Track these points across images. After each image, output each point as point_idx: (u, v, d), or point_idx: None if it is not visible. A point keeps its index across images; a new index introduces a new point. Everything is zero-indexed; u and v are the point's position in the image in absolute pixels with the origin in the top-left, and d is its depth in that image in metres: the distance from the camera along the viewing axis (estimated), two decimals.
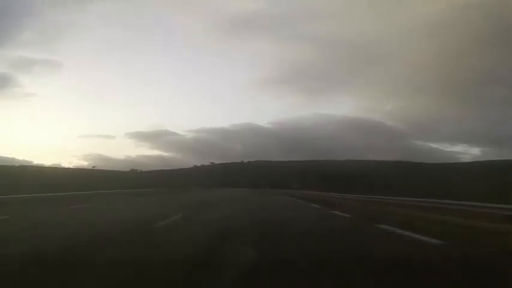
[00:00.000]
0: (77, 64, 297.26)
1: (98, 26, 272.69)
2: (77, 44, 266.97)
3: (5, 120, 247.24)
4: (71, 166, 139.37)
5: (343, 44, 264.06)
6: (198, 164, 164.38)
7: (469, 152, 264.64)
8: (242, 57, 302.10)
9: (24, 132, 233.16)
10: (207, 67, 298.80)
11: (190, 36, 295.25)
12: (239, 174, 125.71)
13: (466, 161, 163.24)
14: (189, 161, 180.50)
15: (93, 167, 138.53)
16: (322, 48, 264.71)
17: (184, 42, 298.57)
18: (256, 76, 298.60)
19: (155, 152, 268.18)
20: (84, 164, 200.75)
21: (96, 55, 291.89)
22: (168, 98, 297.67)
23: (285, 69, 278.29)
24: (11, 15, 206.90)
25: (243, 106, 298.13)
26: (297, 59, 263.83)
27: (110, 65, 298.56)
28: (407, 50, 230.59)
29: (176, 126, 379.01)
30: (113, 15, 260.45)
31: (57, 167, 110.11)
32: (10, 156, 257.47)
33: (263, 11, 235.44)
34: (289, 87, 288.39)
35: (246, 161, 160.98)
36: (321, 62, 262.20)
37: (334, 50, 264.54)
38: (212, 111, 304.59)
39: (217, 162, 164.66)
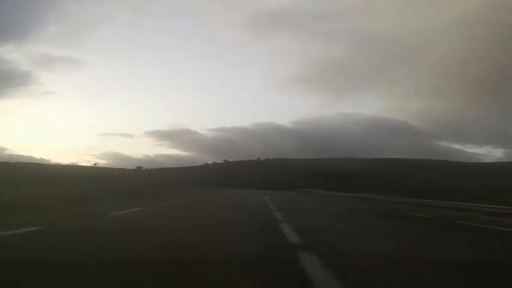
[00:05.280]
0: (98, 62, 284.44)
1: (120, 22, 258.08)
2: (98, 42, 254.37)
3: (25, 118, 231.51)
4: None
5: (370, 42, 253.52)
6: (210, 162, 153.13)
7: (492, 154, 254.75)
8: (266, 55, 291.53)
9: (44, 130, 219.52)
10: (230, 65, 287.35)
11: (213, 34, 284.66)
12: (254, 172, 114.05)
13: (488, 161, 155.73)
14: (205, 159, 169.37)
15: (95, 164, 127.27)
16: (348, 45, 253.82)
17: (207, 40, 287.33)
18: (279, 75, 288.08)
19: (174, 151, 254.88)
20: (102, 162, 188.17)
21: (117, 53, 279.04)
22: (190, 97, 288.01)
23: (310, 68, 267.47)
24: (34, 9, 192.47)
25: (264, 105, 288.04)
26: (321, 56, 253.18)
27: (132, 63, 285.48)
28: (435, 48, 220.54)
29: (197, 125, 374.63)
30: (136, 13, 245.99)
31: (60, 165, 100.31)
32: (27, 154, 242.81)
33: (289, 7, 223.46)
34: (313, 85, 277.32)
35: (263, 158, 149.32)
36: (346, 60, 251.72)
37: (360, 48, 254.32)
38: (233, 110, 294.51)
39: (231, 160, 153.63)
